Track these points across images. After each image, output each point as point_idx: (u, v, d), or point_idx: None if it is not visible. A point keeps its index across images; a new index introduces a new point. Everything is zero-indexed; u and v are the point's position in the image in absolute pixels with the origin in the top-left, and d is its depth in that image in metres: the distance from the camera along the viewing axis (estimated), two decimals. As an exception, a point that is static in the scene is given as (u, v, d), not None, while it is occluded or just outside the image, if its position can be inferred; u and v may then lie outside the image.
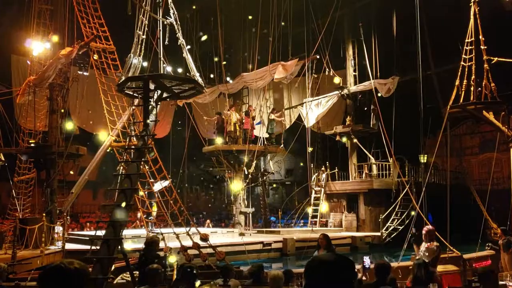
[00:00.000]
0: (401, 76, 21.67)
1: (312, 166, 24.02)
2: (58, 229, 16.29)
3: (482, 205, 15.19)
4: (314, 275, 2.17)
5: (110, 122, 16.35)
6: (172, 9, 11.10)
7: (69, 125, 18.33)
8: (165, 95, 10.99)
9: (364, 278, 7.52)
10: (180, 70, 18.30)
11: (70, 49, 16.27)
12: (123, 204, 9.13)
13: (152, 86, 10.48)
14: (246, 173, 22.04)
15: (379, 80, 21.98)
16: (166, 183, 16.32)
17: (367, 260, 7.28)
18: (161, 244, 12.25)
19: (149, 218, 17.81)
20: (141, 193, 15.33)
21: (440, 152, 19.71)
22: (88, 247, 11.33)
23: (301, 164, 30.00)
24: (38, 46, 18.08)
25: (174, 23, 11.00)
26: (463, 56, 13.99)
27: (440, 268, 9.67)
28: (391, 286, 6.20)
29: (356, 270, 2.39)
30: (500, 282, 7.61)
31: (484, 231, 15.42)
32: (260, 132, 23.38)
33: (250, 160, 21.44)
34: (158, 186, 15.92)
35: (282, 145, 23.21)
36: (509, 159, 15.32)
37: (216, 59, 22.47)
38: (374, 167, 22.61)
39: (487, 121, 15.70)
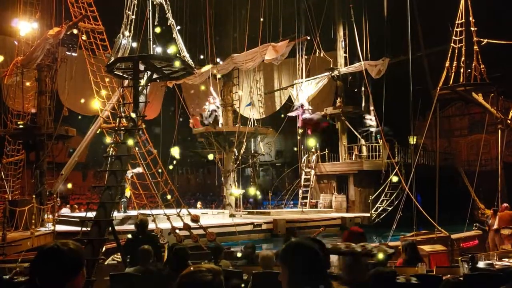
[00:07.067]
0: (391, 58, 21.64)
1: (302, 147, 24.06)
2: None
3: (470, 186, 15.35)
4: (291, 257, 2.34)
5: (99, 104, 16.24)
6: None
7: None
8: (155, 76, 10.93)
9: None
10: (170, 51, 18.14)
11: (58, 29, 16.06)
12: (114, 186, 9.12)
13: (141, 67, 10.40)
14: (237, 154, 22.04)
15: (370, 61, 21.92)
16: (138, 169, 16.44)
17: None
18: (153, 226, 12.34)
19: (122, 200, 17.55)
20: None
21: (430, 134, 19.89)
22: (78, 228, 11.36)
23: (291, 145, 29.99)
24: (25, 26, 17.81)
25: (164, 3, 10.89)
26: (453, 37, 14.03)
27: (428, 248, 9.80)
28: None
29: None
30: (487, 261, 7.73)
31: (472, 212, 15.64)
32: (250, 113, 23.32)
33: (240, 141, 21.42)
34: (129, 173, 16.08)
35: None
36: (497, 140, 15.50)
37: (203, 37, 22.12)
38: (364, 149, 22.71)
39: (476, 103, 15.85)
